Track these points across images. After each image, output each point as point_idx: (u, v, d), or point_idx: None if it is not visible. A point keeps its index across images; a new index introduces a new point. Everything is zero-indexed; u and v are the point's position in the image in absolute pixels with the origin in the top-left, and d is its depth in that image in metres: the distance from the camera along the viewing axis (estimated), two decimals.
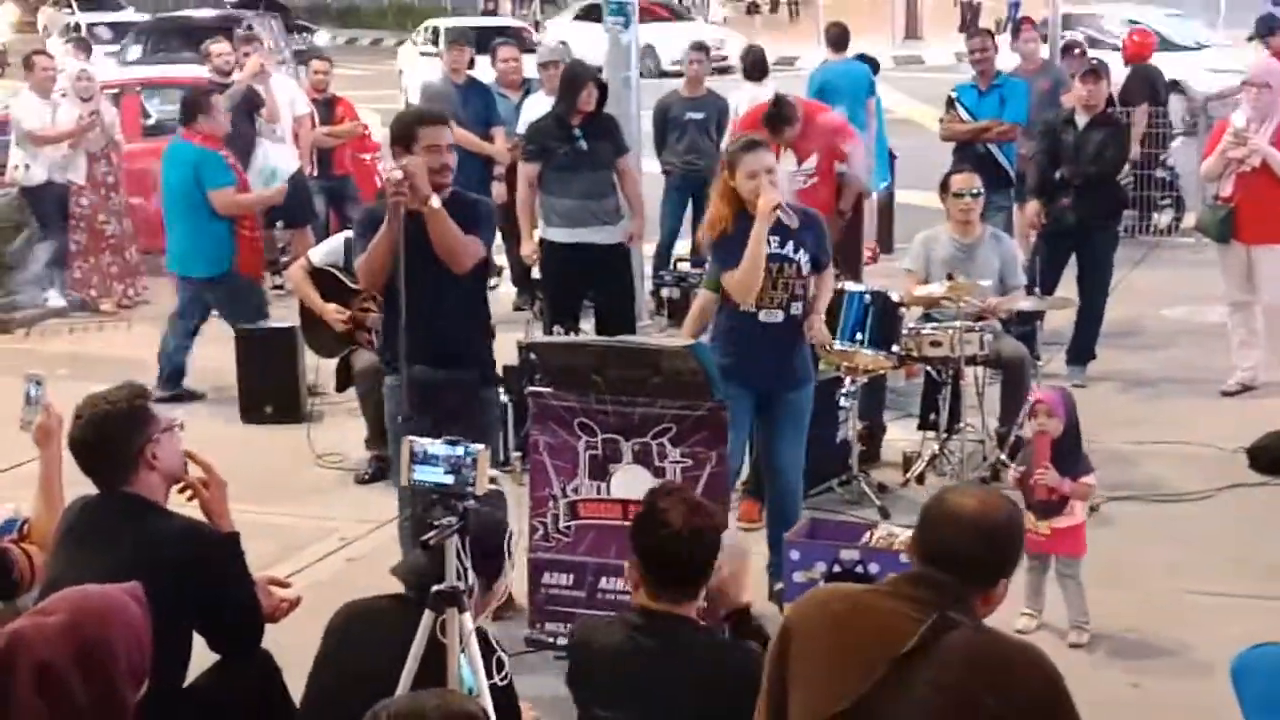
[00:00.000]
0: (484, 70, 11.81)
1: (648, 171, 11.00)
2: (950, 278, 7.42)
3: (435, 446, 3.86)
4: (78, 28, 27.33)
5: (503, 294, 10.98)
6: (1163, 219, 13.25)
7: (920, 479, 7.37)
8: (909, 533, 3.64)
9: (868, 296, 7.17)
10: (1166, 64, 14.52)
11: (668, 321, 10.34)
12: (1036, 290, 8.26)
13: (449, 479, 3.82)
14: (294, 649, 4.23)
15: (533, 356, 5.96)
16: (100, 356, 10.04)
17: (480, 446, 3.88)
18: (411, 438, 3.94)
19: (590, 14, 28.97)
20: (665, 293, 10.65)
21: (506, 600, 5.80)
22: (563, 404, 5.67)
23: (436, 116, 5.92)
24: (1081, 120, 8.96)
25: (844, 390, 7.17)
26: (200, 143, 8.99)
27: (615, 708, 3.85)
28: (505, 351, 6.76)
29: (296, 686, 4.17)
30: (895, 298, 7.34)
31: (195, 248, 8.89)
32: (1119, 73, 13.08)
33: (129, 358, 9.94)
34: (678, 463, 5.54)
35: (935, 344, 7.33)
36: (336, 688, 3.86)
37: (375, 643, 3.89)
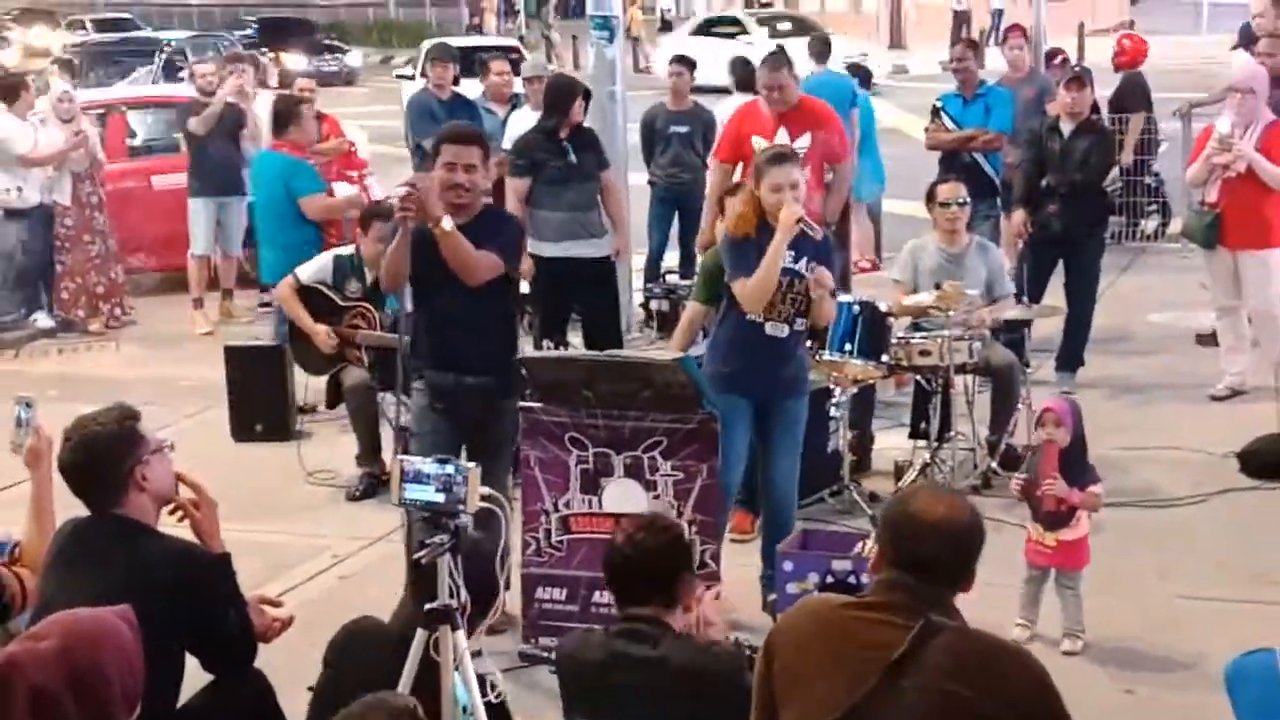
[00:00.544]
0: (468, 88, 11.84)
1: (635, 184, 11.02)
2: (938, 287, 7.43)
3: (426, 465, 3.87)
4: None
5: None
6: (1149, 225, 13.28)
7: None
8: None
9: (856, 307, 7.17)
10: None
11: (657, 334, 10.35)
12: (1024, 299, 8.28)
13: (440, 497, 3.82)
14: (286, 668, 4.22)
15: (523, 371, 5.96)
16: (89, 377, 10.01)
17: (471, 465, 3.88)
18: (402, 457, 3.94)
19: (708, 29, 30.11)
20: (655, 305, 10.65)
21: (501, 615, 5.82)
22: (553, 419, 5.68)
23: (464, 135, 5.84)
24: (1066, 128, 8.97)
25: (834, 400, 7.18)
26: (289, 152, 9.22)
27: (602, 716, 3.86)
28: None
29: (289, 706, 4.16)
30: (884, 308, 7.36)
31: (287, 258, 8.86)
32: (1111, 79, 13.14)
33: (118, 378, 9.94)
34: (669, 476, 5.55)
35: (924, 353, 7.35)
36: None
37: (376, 665, 3.88)
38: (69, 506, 4.22)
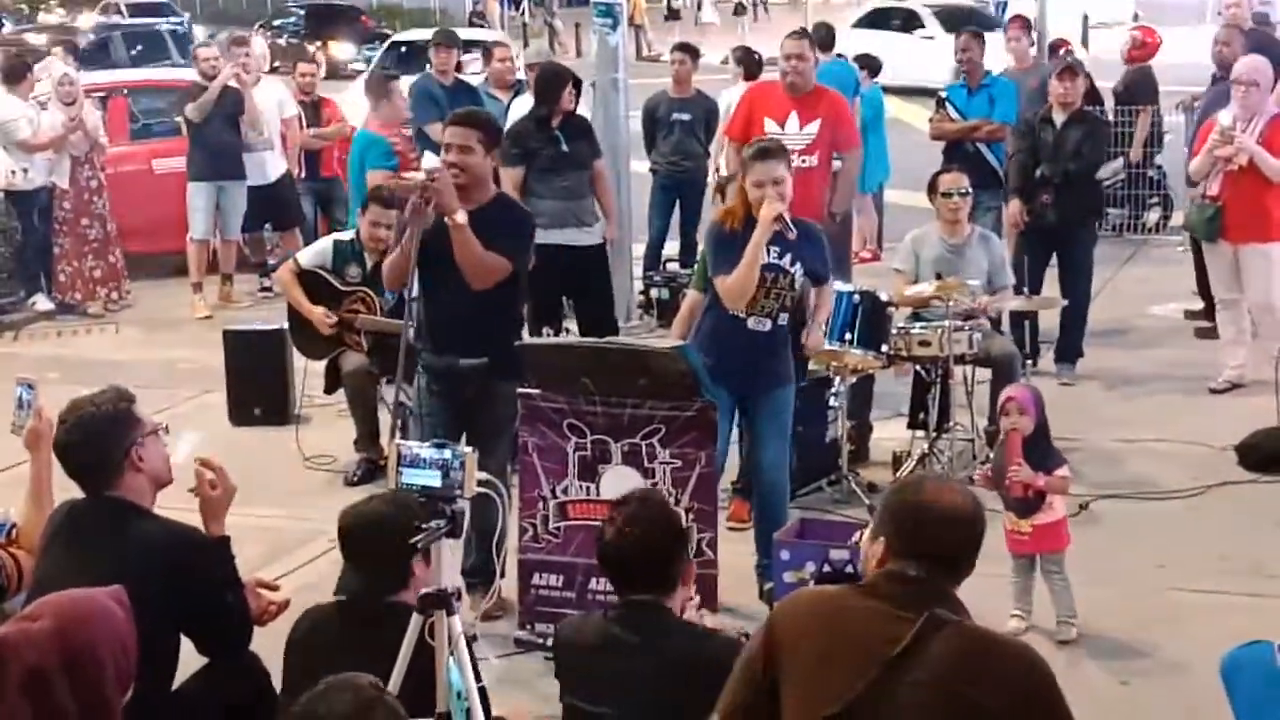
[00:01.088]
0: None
1: (637, 172, 11.01)
2: (939, 277, 7.43)
3: (423, 450, 3.86)
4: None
5: None
6: (1151, 217, 13.27)
7: None
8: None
9: (856, 296, 7.18)
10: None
11: (657, 322, 10.34)
12: (1024, 290, 8.27)
13: (437, 482, 3.82)
14: (281, 652, 4.21)
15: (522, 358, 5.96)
16: (89, 360, 10.01)
17: (468, 450, 3.87)
18: (400, 441, 3.94)
19: (873, 22, 27.10)
20: (655, 293, 10.64)
21: (497, 600, 5.83)
22: (552, 405, 5.67)
23: (462, 117, 5.91)
24: (1059, 118, 8.97)
25: (832, 390, 7.17)
26: (376, 129, 9.60)
27: (597, 701, 3.86)
28: None
29: None
30: (884, 297, 7.35)
31: None
32: (1118, 71, 13.10)
33: (118, 360, 9.95)
34: (667, 464, 5.54)
35: (924, 343, 7.34)
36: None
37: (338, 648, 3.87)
38: (67, 489, 4.22)
